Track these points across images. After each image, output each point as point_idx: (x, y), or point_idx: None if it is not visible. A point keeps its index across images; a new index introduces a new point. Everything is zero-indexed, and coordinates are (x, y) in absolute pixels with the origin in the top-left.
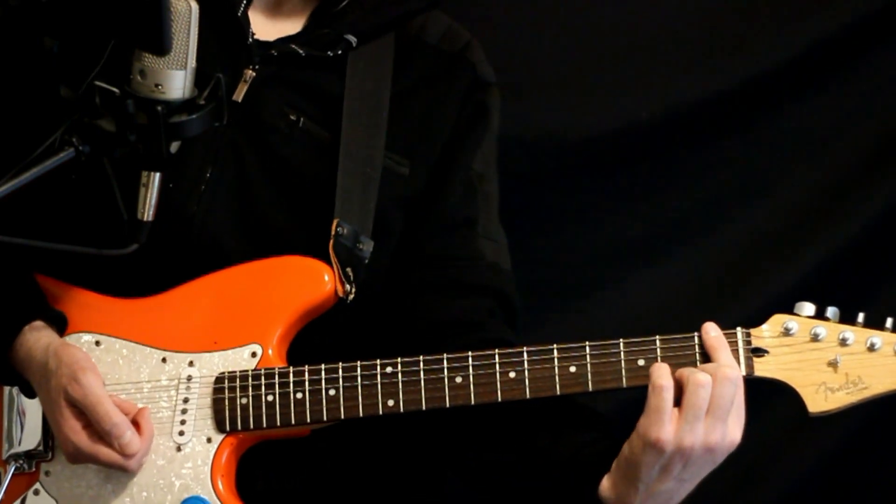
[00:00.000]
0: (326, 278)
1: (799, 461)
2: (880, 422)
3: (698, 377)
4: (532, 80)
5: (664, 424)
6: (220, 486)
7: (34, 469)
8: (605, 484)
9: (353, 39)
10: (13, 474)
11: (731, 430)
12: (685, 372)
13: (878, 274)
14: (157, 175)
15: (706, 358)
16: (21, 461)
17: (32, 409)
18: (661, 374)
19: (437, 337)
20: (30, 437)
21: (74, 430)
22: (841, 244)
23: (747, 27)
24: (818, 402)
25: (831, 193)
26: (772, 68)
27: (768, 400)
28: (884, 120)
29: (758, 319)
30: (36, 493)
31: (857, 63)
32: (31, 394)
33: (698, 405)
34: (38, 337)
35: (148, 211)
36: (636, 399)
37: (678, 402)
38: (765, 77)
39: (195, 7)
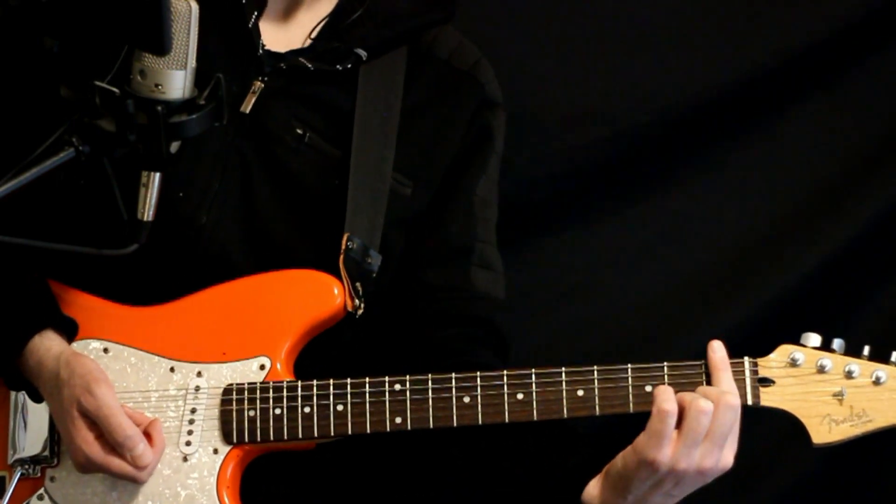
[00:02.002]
0: (336, 292)
1: (799, 461)
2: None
3: (700, 404)
4: (532, 82)
5: (662, 447)
6: (226, 498)
7: (39, 474)
8: (592, 491)
9: (363, 53)
10: (18, 479)
11: (725, 455)
12: (687, 397)
13: (878, 275)
14: (157, 175)
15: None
16: (26, 466)
17: (39, 415)
18: (667, 399)
19: (427, 361)
20: (35, 442)
21: (86, 441)
22: (841, 245)
23: (747, 27)
24: (822, 433)
25: (831, 194)
26: (772, 68)
27: (770, 411)
28: (884, 120)
29: (757, 321)
30: (40, 498)
31: (857, 63)
32: (38, 398)
33: (698, 431)
34: (48, 346)
35: (148, 211)
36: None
37: (678, 423)
38: (765, 77)
39: (195, 7)
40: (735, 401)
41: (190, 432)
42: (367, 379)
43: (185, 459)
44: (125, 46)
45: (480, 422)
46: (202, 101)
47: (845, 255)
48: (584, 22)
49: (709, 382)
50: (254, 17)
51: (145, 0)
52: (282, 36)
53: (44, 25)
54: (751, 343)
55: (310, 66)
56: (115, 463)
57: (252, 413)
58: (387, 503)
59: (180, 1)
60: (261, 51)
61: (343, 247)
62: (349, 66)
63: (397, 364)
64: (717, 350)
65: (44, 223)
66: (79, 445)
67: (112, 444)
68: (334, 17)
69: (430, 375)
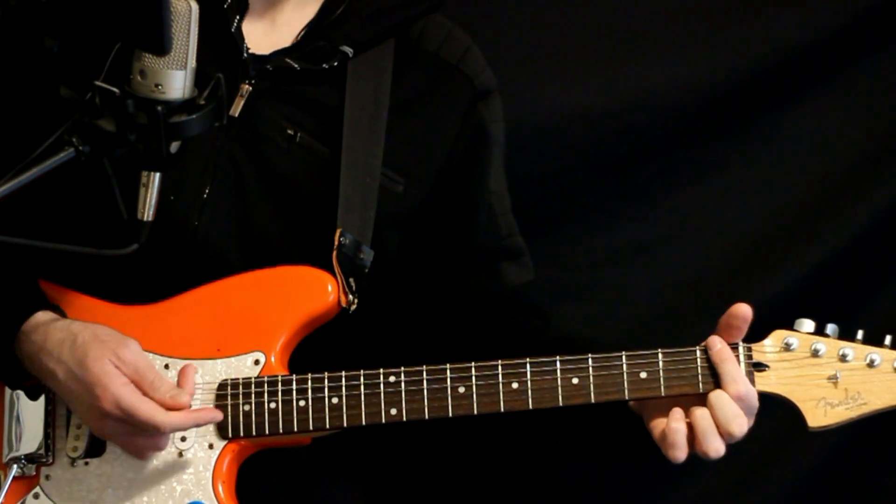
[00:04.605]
0: (330, 289)
1: (799, 462)
2: (880, 422)
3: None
4: (531, 81)
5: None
6: (221, 492)
7: (34, 473)
8: None
9: (349, 51)
10: (13, 477)
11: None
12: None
13: (878, 274)
14: (157, 175)
15: (708, 371)
16: (22, 464)
17: (34, 413)
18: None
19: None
20: (31, 440)
21: (116, 382)
22: (841, 244)
23: (747, 27)
24: (818, 416)
25: (831, 194)
26: (771, 67)
27: (768, 401)
28: (884, 120)
29: (757, 320)
30: (36, 496)
31: (856, 63)
32: (34, 395)
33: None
34: (50, 317)
35: (148, 211)
36: None
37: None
38: (764, 77)
39: (195, 7)
40: (754, 401)
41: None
42: (362, 371)
43: (180, 455)
44: (116, 44)
45: (476, 412)
46: (202, 101)
47: (845, 254)
48: (584, 20)
49: (704, 369)
50: (236, 20)
51: (145, 0)
52: (266, 37)
53: (44, 25)
54: (753, 341)
55: (296, 66)
56: (145, 407)
57: (247, 407)
58: (383, 498)
59: (180, 1)
60: (245, 54)
61: (336, 242)
62: (335, 64)
63: (393, 357)
64: (715, 343)
65: (44, 223)
66: (107, 386)
67: (146, 386)
68: (319, 16)
69: (424, 367)
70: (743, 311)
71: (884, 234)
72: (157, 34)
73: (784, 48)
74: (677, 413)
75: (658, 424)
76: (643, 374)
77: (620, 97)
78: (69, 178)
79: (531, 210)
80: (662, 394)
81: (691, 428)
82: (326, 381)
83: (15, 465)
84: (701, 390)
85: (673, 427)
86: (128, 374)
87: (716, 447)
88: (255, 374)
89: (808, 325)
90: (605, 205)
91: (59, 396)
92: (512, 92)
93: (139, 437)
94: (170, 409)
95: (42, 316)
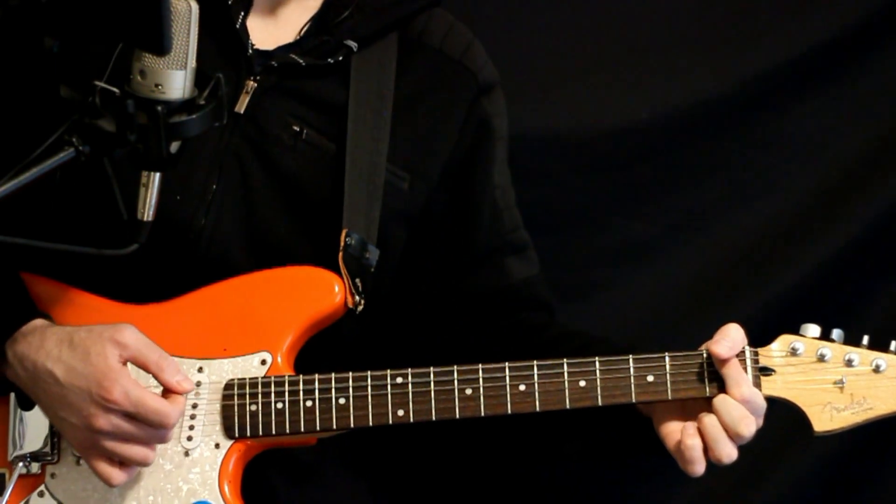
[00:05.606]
0: (337, 289)
1: (799, 462)
2: (881, 423)
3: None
4: (532, 80)
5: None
6: (227, 492)
7: (39, 471)
8: None
9: (353, 45)
10: (18, 476)
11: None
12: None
13: (879, 275)
14: (157, 175)
15: (715, 375)
16: (27, 462)
17: (39, 411)
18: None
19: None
20: (36, 438)
21: (125, 373)
22: (841, 245)
23: (747, 27)
24: (824, 421)
25: (831, 194)
26: (772, 68)
27: (773, 404)
28: (884, 121)
29: (757, 320)
30: (41, 495)
31: (857, 64)
32: (27, 405)
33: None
34: (45, 323)
35: (148, 211)
36: None
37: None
38: (765, 77)
39: (195, 7)
40: (760, 402)
41: (191, 427)
42: (369, 372)
43: (186, 454)
44: (118, 45)
45: (483, 413)
46: (202, 101)
47: (847, 254)
48: (585, 21)
49: (710, 373)
50: (241, 17)
51: (145, 0)
52: (270, 33)
53: (44, 25)
54: (753, 342)
55: (301, 61)
56: (154, 397)
57: (254, 407)
58: (387, 497)
59: (180, 1)
60: (250, 50)
61: (342, 243)
62: (340, 58)
63: (399, 357)
64: (717, 348)
65: (44, 223)
66: (116, 378)
67: (154, 370)
68: (322, 11)
69: (431, 368)
70: (733, 333)
71: (884, 234)
72: (157, 34)
73: (784, 49)
74: (690, 428)
75: (671, 433)
76: (650, 378)
77: (621, 97)
78: (69, 178)
79: (531, 210)
80: (669, 397)
81: (702, 435)
82: (333, 381)
83: (20, 464)
84: (707, 394)
85: (689, 444)
86: (132, 356)
87: (728, 452)
88: (262, 374)
89: (813, 329)
90: (605, 205)
91: (42, 403)
92: (512, 91)
93: (135, 437)
94: (175, 392)
95: (38, 321)
